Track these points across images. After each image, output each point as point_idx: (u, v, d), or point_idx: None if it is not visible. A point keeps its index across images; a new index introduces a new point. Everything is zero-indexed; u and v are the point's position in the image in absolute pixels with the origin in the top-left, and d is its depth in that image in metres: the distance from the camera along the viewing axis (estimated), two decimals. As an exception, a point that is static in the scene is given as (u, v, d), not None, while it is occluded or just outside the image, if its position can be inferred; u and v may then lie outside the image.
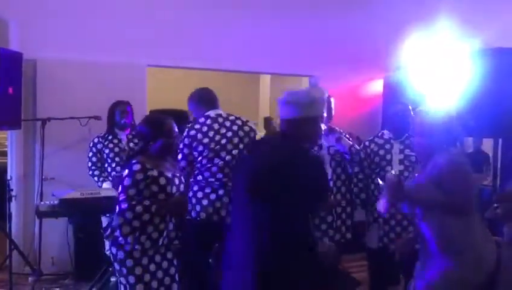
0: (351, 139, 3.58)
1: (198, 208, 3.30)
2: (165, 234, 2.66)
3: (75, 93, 4.67)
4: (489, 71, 3.74)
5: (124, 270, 2.61)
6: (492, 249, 2.48)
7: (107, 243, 4.16)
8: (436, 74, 4.98)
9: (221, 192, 3.27)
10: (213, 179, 3.29)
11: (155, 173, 2.60)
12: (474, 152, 6.66)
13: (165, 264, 2.66)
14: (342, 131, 3.55)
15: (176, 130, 2.76)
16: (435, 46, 5.10)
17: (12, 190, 4.30)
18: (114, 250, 2.62)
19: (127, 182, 2.56)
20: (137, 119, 4.33)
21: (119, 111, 4.17)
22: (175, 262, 2.74)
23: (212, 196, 3.28)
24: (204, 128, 3.33)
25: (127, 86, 4.66)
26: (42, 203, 3.78)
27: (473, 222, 2.47)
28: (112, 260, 2.67)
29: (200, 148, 3.30)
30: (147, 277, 2.59)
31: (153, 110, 4.84)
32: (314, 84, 5.67)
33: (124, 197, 2.54)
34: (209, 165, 3.29)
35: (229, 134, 3.34)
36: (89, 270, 4.09)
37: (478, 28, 4.54)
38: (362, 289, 3.73)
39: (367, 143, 3.62)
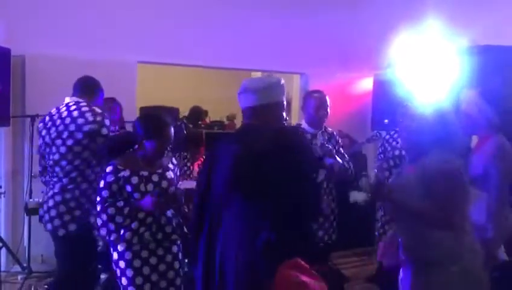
0: (339, 138, 3.56)
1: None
2: (154, 228, 2.66)
3: (65, 89, 4.60)
4: (477, 68, 3.78)
5: (118, 272, 2.65)
6: (479, 261, 2.28)
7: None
8: (425, 71, 5.03)
9: None
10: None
11: (127, 173, 2.61)
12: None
13: (153, 260, 2.66)
14: (335, 132, 3.53)
15: (172, 136, 2.73)
16: (423, 44, 5.14)
17: (0, 187, 4.28)
18: (110, 250, 2.67)
19: (100, 184, 2.62)
20: (126, 115, 4.34)
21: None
22: (168, 258, 2.72)
23: None
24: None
25: (117, 83, 4.63)
26: (31, 200, 3.77)
27: (462, 234, 2.25)
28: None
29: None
30: (139, 280, 2.62)
31: (143, 107, 4.84)
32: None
33: (99, 199, 2.60)
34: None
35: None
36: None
37: (465, 26, 4.57)
38: (350, 284, 3.76)
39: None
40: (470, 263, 2.24)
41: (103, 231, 2.60)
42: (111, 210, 2.57)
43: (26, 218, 4.21)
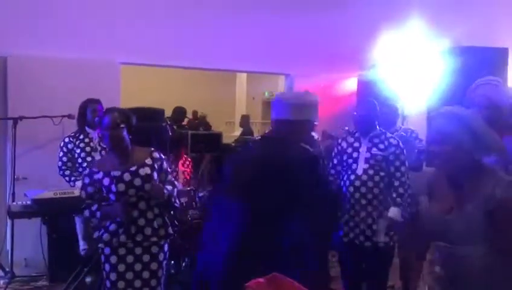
0: (319, 138, 3.58)
1: None
2: (133, 230, 2.68)
3: (48, 91, 4.59)
4: (459, 69, 3.84)
5: (108, 267, 2.68)
6: None
7: (81, 243, 4.13)
8: (408, 71, 5.09)
9: None
10: None
11: (100, 175, 2.67)
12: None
13: (130, 258, 2.69)
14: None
15: (117, 121, 2.68)
16: (407, 45, 5.21)
17: (-18, 190, 4.22)
18: (102, 245, 2.72)
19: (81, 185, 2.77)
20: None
21: (90, 109, 4.11)
22: (146, 258, 2.71)
23: None
24: None
25: (100, 84, 4.61)
26: (14, 203, 3.72)
27: None
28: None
29: None
30: (114, 276, 2.67)
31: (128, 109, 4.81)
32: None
33: (83, 205, 2.74)
34: None
35: None
36: (63, 271, 4.03)
37: (448, 28, 4.65)
38: (336, 283, 3.79)
39: (339, 140, 3.65)
40: None
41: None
42: (87, 212, 2.70)
43: (9, 221, 4.15)
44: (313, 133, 2.38)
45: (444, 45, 4.34)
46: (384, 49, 5.29)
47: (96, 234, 2.73)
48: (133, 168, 2.68)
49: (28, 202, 3.49)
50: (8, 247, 4.29)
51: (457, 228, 1.87)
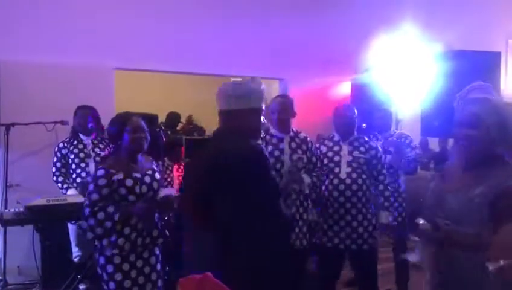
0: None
1: None
2: (144, 233, 2.64)
3: (41, 97, 4.57)
4: (452, 73, 3.85)
5: (105, 276, 2.60)
6: None
7: (74, 250, 4.09)
8: (402, 75, 5.11)
9: None
10: None
11: (120, 176, 2.59)
12: (441, 152, 6.86)
13: (139, 263, 2.64)
14: (308, 138, 3.44)
15: (143, 126, 2.71)
16: (400, 49, 5.24)
17: (-26, 197, 4.17)
18: (96, 255, 2.64)
19: (90, 187, 2.58)
20: (105, 123, 4.29)
21: (83, 115, 4.10)
22: (152, 261, 2.70)
23: None
24: None
25: (94, 90, 4.59)
26: (7, 210, 3.68)
27: None
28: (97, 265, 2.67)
29: None
30: (128, 283, 2.59)
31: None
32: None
33: (87, 202, 2.56)
34: None
35: None
36: (56, 279, 3.99)
37: (441, 32, 4.68)
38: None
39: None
40: None
41: (89, 235, 2.57)
42: (101, 215, 2.52)
43: (1, 229, 4.11)
44: (263, 120, 2.36)
45: (437, 48, 4.36)
46: (377, 53, 5.32)
47: (105, 241, 2.57)
48: (149, 172, 2.72)
49: (21, 209, 3.46)
50: (1, 255, 4.25)
51: (458, 206, 1.96)
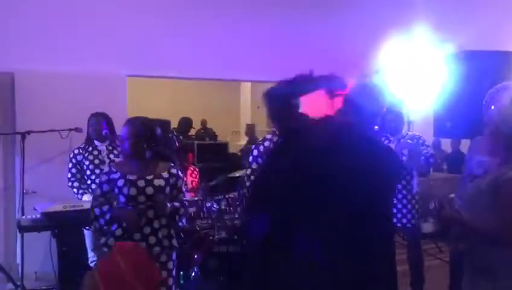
0: None
1: None
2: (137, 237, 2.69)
3: (55, 105, 4.63)
4: (464, 74, 3.82)
5: None
6: None
7: (90, 255, 4.14)
8: (413, 76, 5.09)
9: None
10: None
11: (117, 175, 2.70)
12: (453, 153, 6.81)
13: None
14: None
15: (158, 133, 2.80)
16: (411, 50, 5.21)
17: (-8, 204, 4.24)
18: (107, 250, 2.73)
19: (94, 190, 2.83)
20: (118, 130, 4.34)
21: (97, 122, 4.16)
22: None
23: None
24: None
25: (107, 97, 4.65)
26: (24, 217, 3.74)
27: None
28: None
29: None
30: None
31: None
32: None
33: (93, 195, 2.79)
34: None
35: None
36: (73, 284, 4.01)
37: (452, 33, 4.64)
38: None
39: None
40: None
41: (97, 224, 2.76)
42: (97, 211, 2.72)
43: (19, 235, 4.16)
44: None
45: (449, 49, 4.34)
46: (388, 54, 5.29)
47: (103, 240, 2.74)
48: (149, 177, 2.75)
49: (38, 216, 3.51)
50: (19, 260, 4.30)
51: (471, 191, 2.02)
